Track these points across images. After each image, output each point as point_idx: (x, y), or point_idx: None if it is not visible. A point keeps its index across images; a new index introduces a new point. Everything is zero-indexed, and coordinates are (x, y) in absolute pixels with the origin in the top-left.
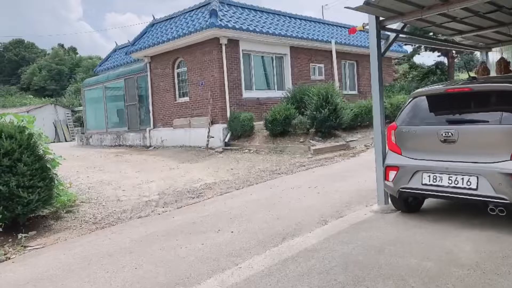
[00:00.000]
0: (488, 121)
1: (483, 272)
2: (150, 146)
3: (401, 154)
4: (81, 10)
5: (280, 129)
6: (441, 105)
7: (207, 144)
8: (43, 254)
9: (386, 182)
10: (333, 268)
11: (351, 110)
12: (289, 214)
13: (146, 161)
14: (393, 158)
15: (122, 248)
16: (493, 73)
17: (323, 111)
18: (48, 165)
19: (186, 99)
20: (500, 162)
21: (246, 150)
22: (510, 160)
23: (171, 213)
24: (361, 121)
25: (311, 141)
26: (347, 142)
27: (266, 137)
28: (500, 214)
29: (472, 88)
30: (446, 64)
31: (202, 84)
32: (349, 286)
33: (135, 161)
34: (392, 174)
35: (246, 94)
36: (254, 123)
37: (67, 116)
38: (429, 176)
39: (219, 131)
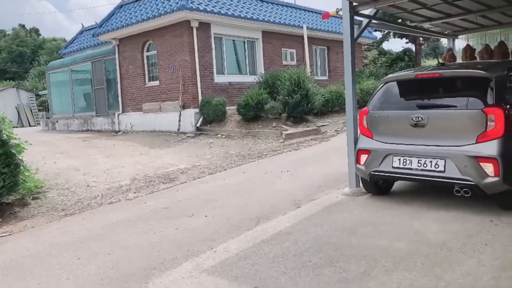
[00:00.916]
0: (456, 106)
1: (449, 250)
2: (119, 131)
3: (372, 138)
4: None
5: (253, 114)
6: (412, 90)
7: (179, 129)
8: (10, 242)
9: (357, 165)
10: (307, 250)
11: (322, 95)
12: (263, 198)
13: (116, 146)
14: (364, 142)
15: (93, 235)
16: (459, 60)
17: (295, 96)
18: (13, 151)
19: (156, 83)
20: (466, 145)
21: (218, 135)
22: (476, 143)
23: (143, 199)
24: (331, 107)
25: (283, 126)
26: (318, 127)
27: (238, 122)
28: (465, 195)
29: (442, 74)
30: (414, 51)
31: (172, 68)
32: (323, 267)
33: (104, 146)
34: (363, 158)
35: (218, 79)
36: (227, 108)
37: (31, 100)
38: (399, 159)
39: (190, 116)
